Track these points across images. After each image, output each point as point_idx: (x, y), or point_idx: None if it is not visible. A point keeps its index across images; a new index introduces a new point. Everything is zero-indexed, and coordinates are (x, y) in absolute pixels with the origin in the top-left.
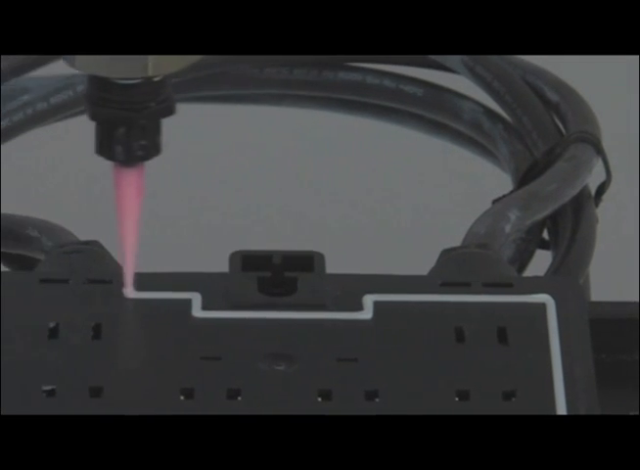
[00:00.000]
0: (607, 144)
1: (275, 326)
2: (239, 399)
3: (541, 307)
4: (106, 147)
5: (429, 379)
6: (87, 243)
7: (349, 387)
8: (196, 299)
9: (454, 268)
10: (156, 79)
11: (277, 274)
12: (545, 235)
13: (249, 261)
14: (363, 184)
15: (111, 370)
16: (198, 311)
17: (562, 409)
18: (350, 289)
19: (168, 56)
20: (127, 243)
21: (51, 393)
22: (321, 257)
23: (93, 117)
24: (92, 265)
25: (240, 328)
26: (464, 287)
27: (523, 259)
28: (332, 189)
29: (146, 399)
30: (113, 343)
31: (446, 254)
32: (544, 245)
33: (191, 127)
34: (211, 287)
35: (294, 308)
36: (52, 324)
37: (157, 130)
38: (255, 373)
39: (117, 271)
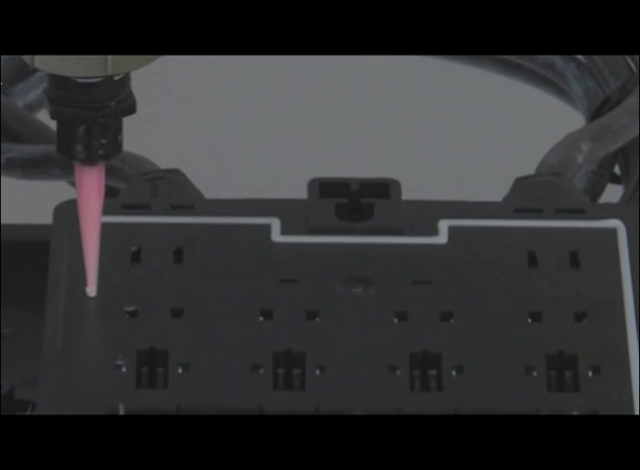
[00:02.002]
0: None
1: (352, 250)
2: (317, 320)
3: (612, 232)
4: (66, 146)
5: (502, 301)
6: (168, 171)
7: (425, 308)
8: (275, 224)
9: (527, 195)
10: (116, 78)
11: (354, 200)
12: (617, 170)
13: (326, 188)
14: (442, 120)
15: (192, 292)
16: (277, 236)
17: (632, 330)
18: (426, 215)
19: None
20: (89, 241)
21: (134, 313)
22: (397, 184)
23: (53, 116)
24: (173, 192)
25: (318, 252)
26: (537, 213)
27: (594, 193)
28: (409, 124)
29: (226, 319)
30: (194, 266)
31: (520, 182)
32: (615, 179)
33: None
34: (290, 213)
35: (370, 233)
36: (134, 248)
37: (117, 129)
38: (333, 295)
39: (199, 198)
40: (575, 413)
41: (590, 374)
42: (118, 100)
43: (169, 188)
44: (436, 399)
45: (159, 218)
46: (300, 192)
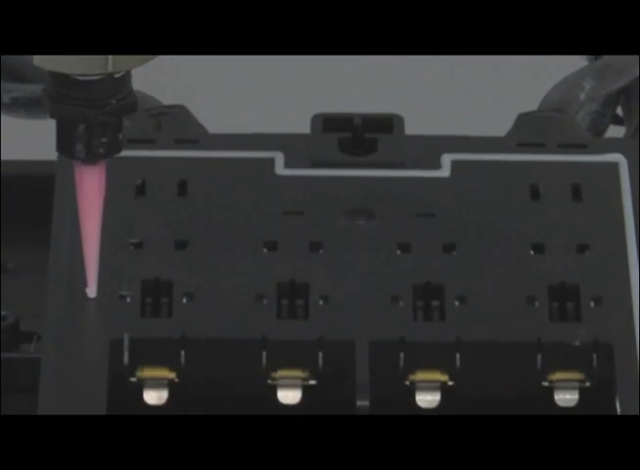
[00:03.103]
0: None
1: (355, 183)
2: (320, 251)
3: (614, 166)
4: (66, 145)
5: (504, 233)
6: (172, 106)
7: (428, 240)
8: (279, 158)
9: (530, 130)
10: (116, 76)
11: (357, 135)
12: (619, 111)
13: (330, 123)
14: (446, 58)
15: (196, 224)
16: (281, 169)
17: (633, 262)
18: (429, 149)
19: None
20: (89, 241)
21: (138, 245)
22: (400, 119)
23: (53, 115)
24: (177, 127)
25: (321, 185)
26: (539, 147)
27: (597, 132)
28: (413, 59)
29: (230, 251)
30: (198, 199)
31: (523, 117)
32: (618, 120)
33: None
34: (294, 147)
35: (373, 167)
36: (139, 181)
37: (118, 127)
38: (336, 227)
39: (203, 132)
40: (577, 343)
41: (592, 305)
42: (119, 98)
43: (173, 123)
44: (439, 328)
45: (163, 152)
46: (304, 128)
